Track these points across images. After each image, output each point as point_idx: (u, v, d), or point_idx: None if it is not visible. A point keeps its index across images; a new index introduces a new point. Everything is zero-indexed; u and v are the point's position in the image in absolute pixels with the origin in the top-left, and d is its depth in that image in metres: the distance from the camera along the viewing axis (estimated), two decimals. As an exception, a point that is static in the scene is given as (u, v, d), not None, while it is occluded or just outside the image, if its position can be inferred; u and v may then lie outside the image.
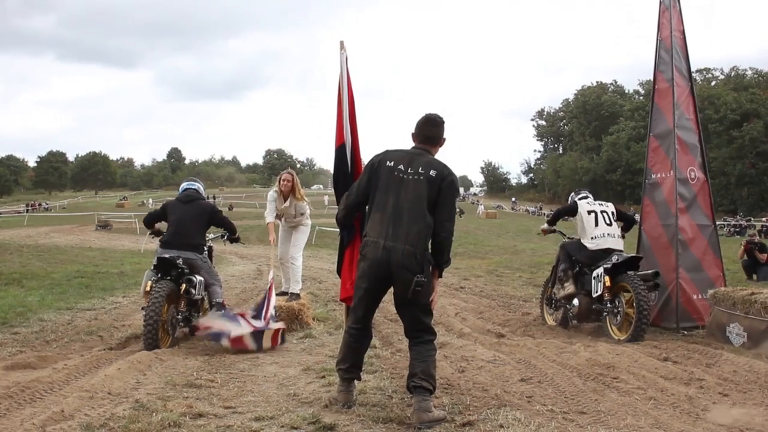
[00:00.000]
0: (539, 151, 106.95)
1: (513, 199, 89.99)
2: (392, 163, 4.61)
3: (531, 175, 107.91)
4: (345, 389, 4.73)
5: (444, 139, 4.84)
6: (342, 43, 5.51)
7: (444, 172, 4.56)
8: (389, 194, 4.55)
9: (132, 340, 7.65)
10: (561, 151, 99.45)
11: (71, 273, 15.72)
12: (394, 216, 4.48)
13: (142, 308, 7.01)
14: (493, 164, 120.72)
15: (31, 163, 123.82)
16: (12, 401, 4.69)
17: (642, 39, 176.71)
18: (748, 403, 4.91)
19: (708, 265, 8.68)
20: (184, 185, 8.12)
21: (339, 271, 5.36)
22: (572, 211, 8.68)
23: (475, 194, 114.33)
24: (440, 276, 4.74)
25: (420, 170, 4.54)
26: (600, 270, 7.91)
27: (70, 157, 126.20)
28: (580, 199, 8.87)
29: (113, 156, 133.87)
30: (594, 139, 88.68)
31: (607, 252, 8.16)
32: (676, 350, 6.88)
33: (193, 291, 7.25)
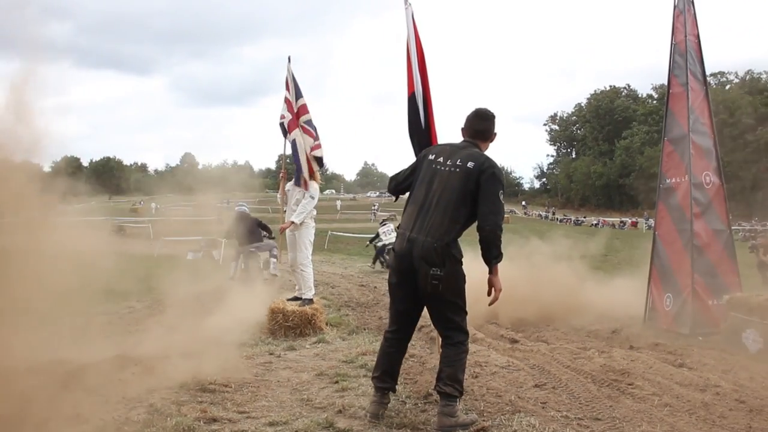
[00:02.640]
0: (552, 156, 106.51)
1: (523, 203, 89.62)
2: (433, 156, 4.59)
3: (544, 179, 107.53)
4: (377, 400, 4.57)
5: (495, 134, 4.77)
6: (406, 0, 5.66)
7: (484, 164, 4.43)
8: (423, 186, 4.52)
9: (145, 344, 7.66)
10: (574, 156, 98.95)
11: (85, 277, 15.77)
12: (424, 208, 4.44)
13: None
14: (505, 169, 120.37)
15: (46, 169, 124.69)
16: (28, 404, 4.71)
17: (656, 43, 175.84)
18: (765, 411, 4.86)
19: (723, 270, 8.61)
20: (237, 208, 14.67)
21: None
22: None
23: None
24: (491, 272, 4.51)
25: (458, 162, 4.46)
26: None
27: (84, 163, 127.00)
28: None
29: (127, 161, 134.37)
30: (607, 143, 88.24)
31: None
32: (691, 356, 6.83)
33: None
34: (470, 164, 4.42)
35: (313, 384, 5.66)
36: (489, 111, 4.78)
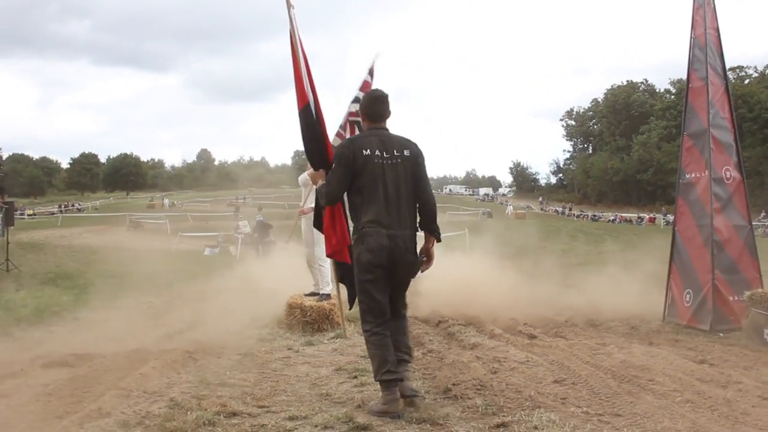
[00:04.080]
0: (568, 151, 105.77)
1: (540, 199, 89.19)
2: (368, 151, 4.63)
3: (560, 175, 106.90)
4: (394, 395, 4.55)
5: (390, 112, 4.89)
6: (288, 1, 5.46)
7: (414, 148, 4.77)
8: (377, 183, 4.60)
9: (165, 338, 7.72)
10: (591, 151, 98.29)
11: (104, 273, 15.93)
12: (390, 203, 4.60)
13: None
14: (521, 164, 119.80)
15: (65, 165, 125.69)
16: (51, 398, 4.77)
17: (673, 37, 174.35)
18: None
19: (744, 266, 8.53)
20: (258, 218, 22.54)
21: (319, 228, 5.40)
22: None
23: (503, 195, 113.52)
24: (439, 241, 4.88)
25: (395, 153, 4.67)
26: None
27: (102, 159, 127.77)
28: None
29: (144, 157, 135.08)
30: (624, 138, 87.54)
31: None
32: (712, 353, 6.77)
33: None
34: (406, 152, 4.70)
35: (331, 379, 5.67)
36: (384, 92, 4.91)
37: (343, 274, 5.53)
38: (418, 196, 4.73)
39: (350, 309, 5.72)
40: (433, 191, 4.98)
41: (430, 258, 4.85)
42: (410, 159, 4.68)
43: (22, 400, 4.75)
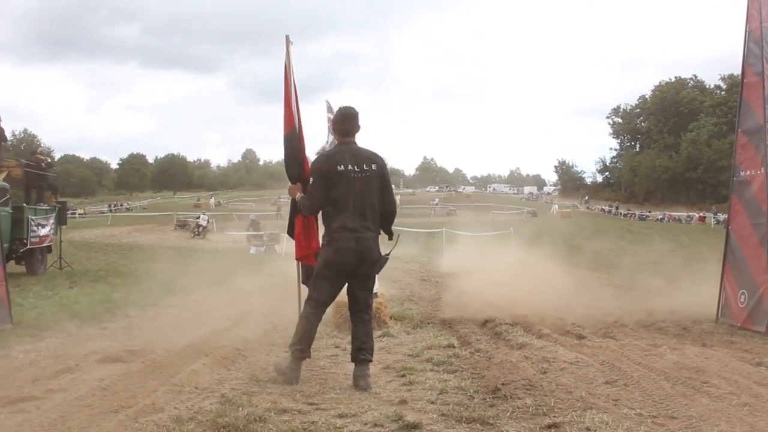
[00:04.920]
0: (615, 149, 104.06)
1: (585, 197, 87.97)
2: (342, 167, 5.28)
3: (607, 173, 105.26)
4: (297, 367, 5.37)
5: (359, 126, 5.54)
6: (288, 37, 6.11)
7: (381, 162, 5.45)
8: (348, 194, 5.27)
9: (214, 335, 7.82)
10: (638, 149, 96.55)
11: (153, 271, 16.24)
12: (356, 210, 5.27)
13: None
14: (567, 163, 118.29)
15: (114, 165, 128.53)
16: (106, 392, 4.87)
17: (723, 31, 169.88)
18: None
19: (802, 266, 8.27)
20: None
21: (291, 234, 6.12)
22: None
23: (549, 193, 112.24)
24: (390, 239, 5.71)
25: (365, 167, 5.32)
26: None
27: (150, 159, 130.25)
28: None
29: (190, 158, 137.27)
30: (672, 136, 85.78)
31: None
32: (769, 355, 6.58)
33: None
34: (374, 166, 5.36)
35: (379, 377, 5.67)
36: (354, 109, 5.55)
37: (308, 276, 5.96)
38: (384, 205, 5.46)
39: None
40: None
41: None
42: (377, 172, 5.36)
43: (78, 394, 4.85)
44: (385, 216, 5.53)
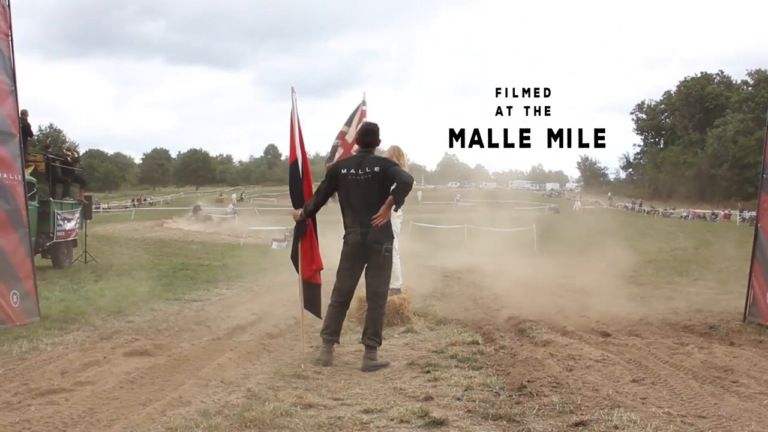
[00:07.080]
0: (639, 146, 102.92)
1: (609, 194, 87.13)
2: (345, 170, 6.01)
3: (630, 170, 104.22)
4: (328, 350, 6.03)
5: (380, 140, 6.26)
6: (293, 88, 6.67)
7: (385, 164, 6.00)
8: (350, 194, 6.00)
9: (238, 330, 7.86)
10: (662, 146, 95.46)
11: (177, 265, 16.38)
12: (359, 208, 5.94)
13: None
14: (590, 159, 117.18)
15: (137, 160, 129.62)
16: (134, 385, 4.92)
17: (752, 27, 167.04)
18: None
19: (833, 264, 8.13)
20: None
21: (294, 259, 6.53)
22: None
23: (571, 190, 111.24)
24: (394, 206, 5.91)
25: (367, 169, 5.93)
26: None
27: (173, 155, 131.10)
28: None
29: (213, 153, 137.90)
30: (698, 132, 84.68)
31: None
32: (799, 354, 6.47)
33: None
34: (376, 168, 5.91)
35: (404, 373, 5.67)
36: (374, 125, 6.31)
37: (310, 298, 6.47)
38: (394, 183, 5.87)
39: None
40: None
41: (379, 212, 5.88)
42: (379, 174, 5.89)
43: (106, 386, 4.90)
44: (396, 189, 5.87)
